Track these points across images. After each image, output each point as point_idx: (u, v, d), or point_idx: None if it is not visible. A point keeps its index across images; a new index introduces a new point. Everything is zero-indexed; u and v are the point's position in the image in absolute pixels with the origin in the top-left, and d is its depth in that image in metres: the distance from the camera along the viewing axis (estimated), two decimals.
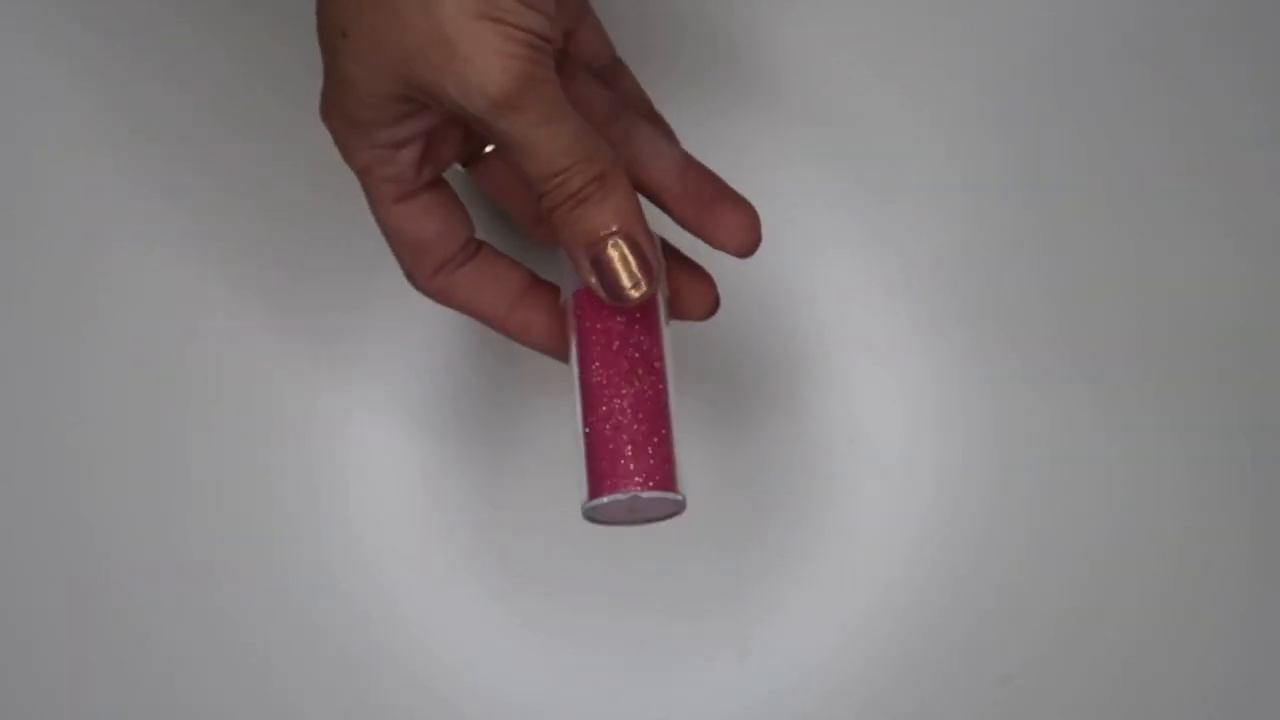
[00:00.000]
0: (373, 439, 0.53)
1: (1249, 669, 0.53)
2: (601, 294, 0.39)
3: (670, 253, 0.43)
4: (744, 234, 0.41)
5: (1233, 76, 0.55)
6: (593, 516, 0.40)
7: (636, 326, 0.40)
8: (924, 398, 0.53)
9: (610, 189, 0.38)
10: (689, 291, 0.42)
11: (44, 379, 0.53)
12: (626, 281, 0.38)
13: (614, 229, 0.38)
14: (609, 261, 0.38)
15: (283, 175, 0.53)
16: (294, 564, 0.52)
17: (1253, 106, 0.55)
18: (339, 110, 0.38)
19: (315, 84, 0.39)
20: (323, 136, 0.40)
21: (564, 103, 0.37)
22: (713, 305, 0.43)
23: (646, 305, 0.40)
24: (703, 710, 0.52)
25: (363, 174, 0.40)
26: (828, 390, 0.53)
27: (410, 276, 0.42)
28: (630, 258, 0.38)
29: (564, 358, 0.42)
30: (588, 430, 0.40)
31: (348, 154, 0.39)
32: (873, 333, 0.53)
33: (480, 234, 0.43)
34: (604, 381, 0.40)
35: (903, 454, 0.53)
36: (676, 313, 0.42)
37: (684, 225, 0.42)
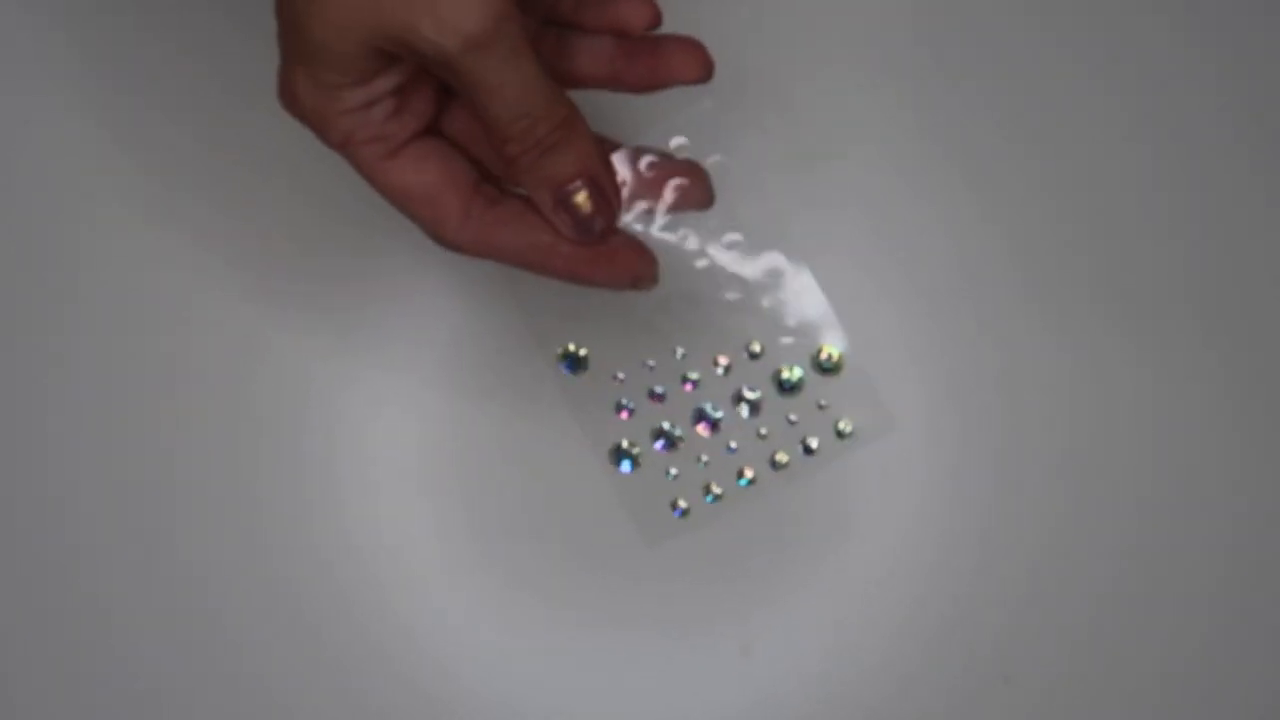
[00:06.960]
0: (369, 429, 0.53)
1: (1256, 670, 0.52)
2: (568, 231, 0.41)
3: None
4: (692, 57, 0.42)
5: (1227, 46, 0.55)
6: None
7: None
8: (925, 396, 0.53)
9: (575, 135, 0.40)
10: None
11: (25, 368, 0.53)
12: (595, 220, 0.41)
13: (578, 173, 0.40)
14: (576, 206, 0.41)
15: (274, 167, 0.53)
16: (283, 558, 0.52)
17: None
18: (304, 84, 0.39)
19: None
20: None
21: (526, 41, 0.38)
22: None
23: None
24: (703, 710, 0.52)
25: (344, 146, 0.40)
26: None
27: (437, 233, 0.41)
28: (594, 198, 0.41)
29: (644, 280, 0.43)
30: None
31: (323, 131, 0.40)
32: (873, 331, 0.53)
33: None
34: None
35: (903, 454, 0.53)
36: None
37: (639, 88, 0.43)
